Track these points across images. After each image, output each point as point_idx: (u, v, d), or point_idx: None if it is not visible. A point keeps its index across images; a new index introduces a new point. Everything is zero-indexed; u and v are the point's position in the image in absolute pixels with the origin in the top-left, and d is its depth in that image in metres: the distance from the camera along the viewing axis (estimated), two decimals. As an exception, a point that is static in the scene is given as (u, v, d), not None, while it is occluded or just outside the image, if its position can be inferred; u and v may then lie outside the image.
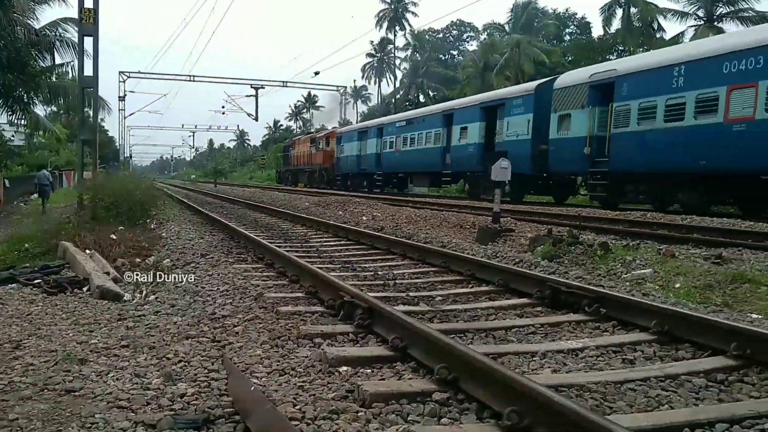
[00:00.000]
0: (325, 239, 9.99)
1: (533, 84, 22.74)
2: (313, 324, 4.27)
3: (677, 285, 6.08)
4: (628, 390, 3.01)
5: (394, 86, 71.43)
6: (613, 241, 8.46)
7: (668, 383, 3.12)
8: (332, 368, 3.30)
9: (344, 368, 3.30)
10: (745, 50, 13.74)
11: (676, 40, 37.30)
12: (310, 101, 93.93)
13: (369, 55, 74.48)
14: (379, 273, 6.53)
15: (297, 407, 2.70)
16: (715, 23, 36.54)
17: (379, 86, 76.08)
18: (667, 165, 15.52)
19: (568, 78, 20.32)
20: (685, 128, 14.96)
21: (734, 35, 18.94)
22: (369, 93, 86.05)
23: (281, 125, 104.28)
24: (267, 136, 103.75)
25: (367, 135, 35.65)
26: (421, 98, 61.75)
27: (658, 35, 41.35)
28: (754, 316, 4.94)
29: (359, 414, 2.64)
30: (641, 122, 16.36)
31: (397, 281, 6.06)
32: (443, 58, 74.18)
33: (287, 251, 7.34)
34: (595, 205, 18.57)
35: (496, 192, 11.07)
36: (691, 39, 35.16)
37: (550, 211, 15.06)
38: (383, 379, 3.15)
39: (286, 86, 51.77)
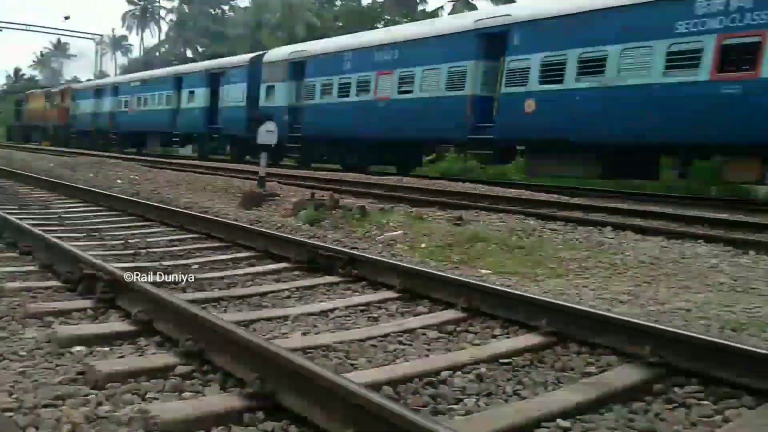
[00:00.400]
0: (69, 205, 8.96)
1: (248, 57, 25.16)
2: (44, 301, 3.80)
3: (423, 245, 6.64)
4: (370, 347, 3.20)
5: (159, 39, 66.42)
6: (371, 205, 8.95)
7: (405, 337, 3.38)
8: (63, 349, 2.96)
9: (78, 348, 2.99)
10: (386, 45, 17.48)
11: (436, 13, 40.61)
12: (61, 49, 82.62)
13: (130, 2, 67.87)
14: (131, 242, 6.05)
15: (14, 396, 2.38)
16: (470, 1, 40.49)
17: (142, 38, 70.24)
18: (339, 132, 19.16)
19: (273, 54, 23.17)
20: (351, 103, 18.51)
21: (381, 32, 22.97)
22: (130, 44, 78.86)
23: (24, 75, 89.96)
24: (6, 87, 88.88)
25: (103, 93, 35.05)
26: (189, 53, 58.32)
27: (420, 8, 44.49)
28: (484, 271, 5.58)
29: (89, 397, 2.41)
30: (323, 97, 19.76)
31: (150, 250, 5.69)
32: (213, 12, 70.59)
33: (20, 219, 6.41)
34: (294, 165, 21.31)
35: (262, 156, 10.97)
36: (450, 13, 38.63)
37: (315, 176, 15.43)
38: (122, 357, 2.93)
39: (30, 30, 45.40)
